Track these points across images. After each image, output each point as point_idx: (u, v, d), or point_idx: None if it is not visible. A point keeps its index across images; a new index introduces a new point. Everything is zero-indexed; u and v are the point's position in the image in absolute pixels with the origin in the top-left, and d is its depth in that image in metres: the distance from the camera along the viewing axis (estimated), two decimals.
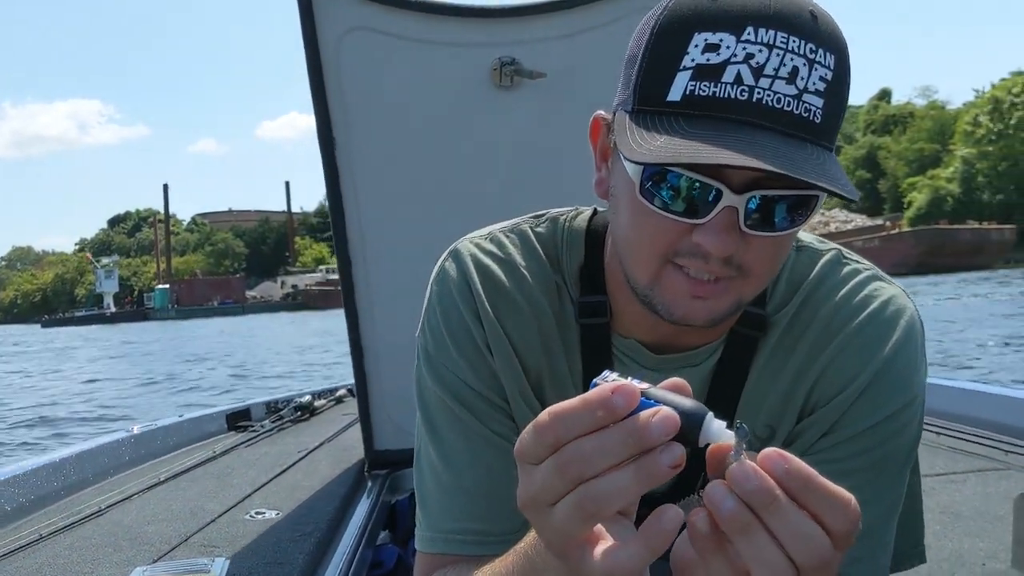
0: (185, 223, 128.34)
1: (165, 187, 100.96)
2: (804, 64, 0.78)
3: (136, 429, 3.73)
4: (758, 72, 0.78)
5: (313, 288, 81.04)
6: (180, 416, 4.06)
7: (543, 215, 1.13)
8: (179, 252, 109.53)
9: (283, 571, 2.28)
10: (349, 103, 2.90)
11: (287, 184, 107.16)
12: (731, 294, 0.88)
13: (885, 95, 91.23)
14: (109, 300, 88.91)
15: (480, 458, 1.04)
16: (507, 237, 1.10)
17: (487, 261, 1.07)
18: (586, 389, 0.66)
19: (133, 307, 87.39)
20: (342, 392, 4.87)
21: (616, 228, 0.95)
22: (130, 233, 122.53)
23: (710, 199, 0.82)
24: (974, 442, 2.96)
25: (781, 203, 0.82)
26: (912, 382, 1.01)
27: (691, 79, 0.79)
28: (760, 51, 0.78)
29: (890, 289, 1.03)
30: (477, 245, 1.10)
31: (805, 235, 1.07)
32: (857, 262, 1.06)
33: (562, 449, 0.60)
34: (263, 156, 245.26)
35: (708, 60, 0.79)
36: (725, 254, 0.84)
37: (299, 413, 4.25)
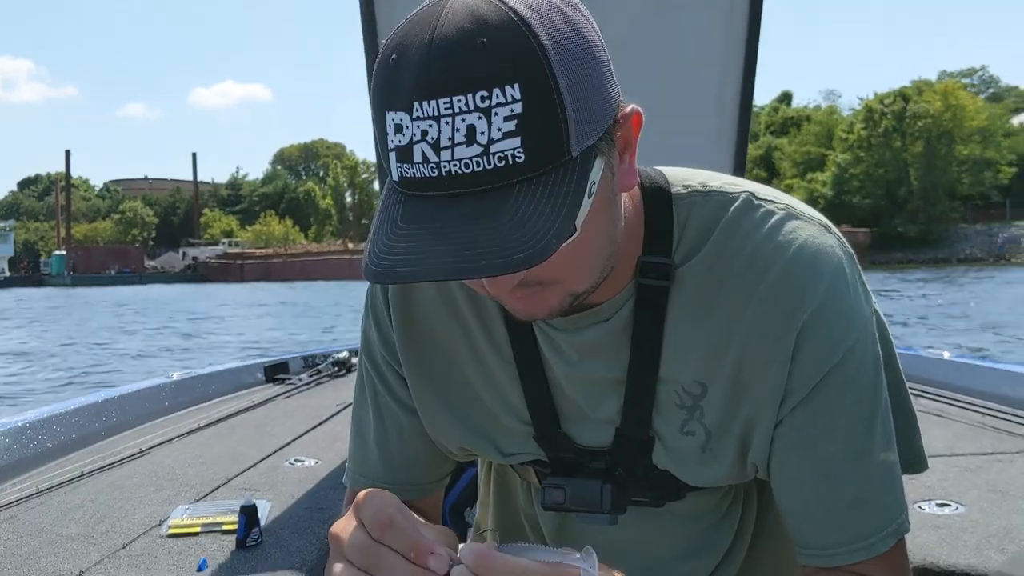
0: (98, 189, 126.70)
1: (67, 152, 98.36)
2: (479, 117, 0.74)
3: (175, 376, 3.76)
4: (436, 147, 0.75)
5: (212, 261, 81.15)
6: (219, 366, 4.10)
7: None
8: (89, 219, 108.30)
9: (324, 516, 2.28)
10: None
11: (194, 155, 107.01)
12: (554, 295, 0.88)
13: (786, 98, 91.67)
14: (3, 265, 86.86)
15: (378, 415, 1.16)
16: None
17: None
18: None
19: (28, 272, 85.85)
20: None
21: None
22: (39, 197, 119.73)
23: None
24: (1020, 423, 2.92)
25: None
26: (849, 325, 0.96)
27: (396, 161, 0.78)
28: (431, 126, 0.75)
29: (807, 228, 0.98)
30: None
31: (717, 177, 1.03)
32: (771, 201, 1.00)
33: None
34: (193, 124, 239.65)
35: (400, 142, 0.77)
36: (503, 292, 0.85)
37: (336, 368, 4.28)
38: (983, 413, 3.05)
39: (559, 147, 0.76)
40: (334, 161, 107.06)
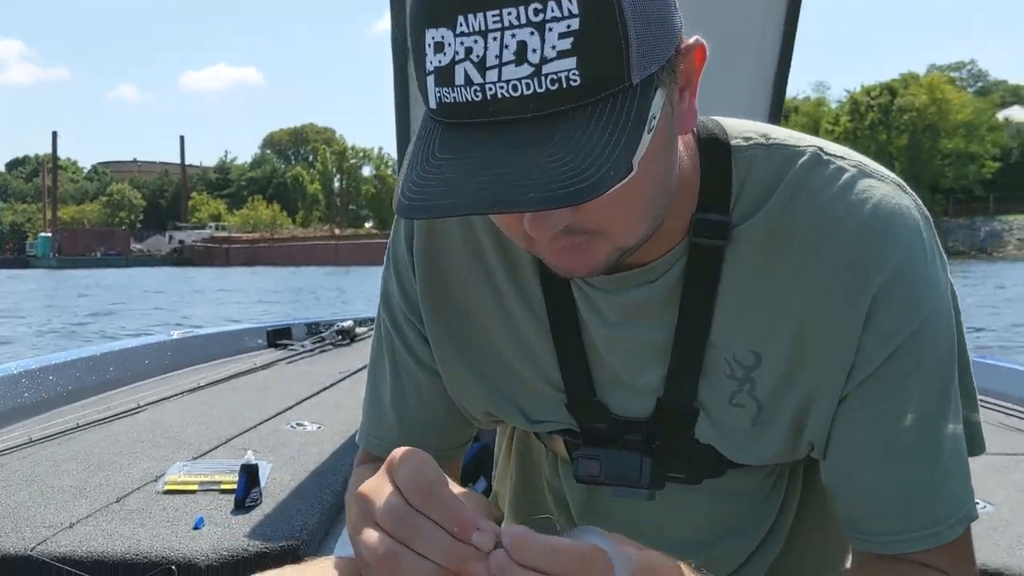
0: (86, 171, 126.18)
1: (54, 134, 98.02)
2: (531, 32, 0.66)
3: (176, 334, 3.70)
4: (481, 66, 0.67)
5: (198, 244, 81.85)
6: (221, 327, 4.04)
7: None
8: (77, 200, 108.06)
9: (325, 481, 2.21)
10: None
11: (182, 139, 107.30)
12: (600, 248, 0.80)
13: None
14: None
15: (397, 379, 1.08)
16: None
17: None
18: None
19: (14, 254, 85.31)
20: None
21: None
22: (28, 178, 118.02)
23: None
24: None
25: None
26: (926, 293, 0.88)
27: (435, 85, 0.70)
28: (476, 42, 0.66)
29: (881, 187, 0.89)
30: None
31: (779, 130, 0.94)
32: (841, 157, 0.91)
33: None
34: (183, 107, 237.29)
35: (440, 63, 0.69)
36: (546, 236, 0.75)
37: (340, 337, 4.23)
38: (1006, 413, 3.02)
39: (619, 72, 0.68)
40: (323, 146, 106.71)
